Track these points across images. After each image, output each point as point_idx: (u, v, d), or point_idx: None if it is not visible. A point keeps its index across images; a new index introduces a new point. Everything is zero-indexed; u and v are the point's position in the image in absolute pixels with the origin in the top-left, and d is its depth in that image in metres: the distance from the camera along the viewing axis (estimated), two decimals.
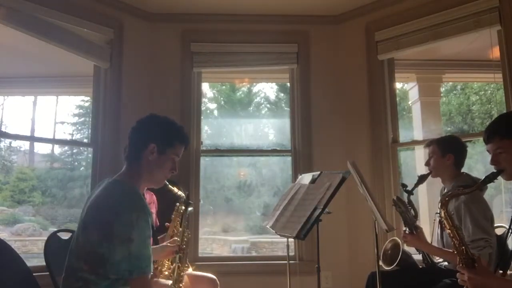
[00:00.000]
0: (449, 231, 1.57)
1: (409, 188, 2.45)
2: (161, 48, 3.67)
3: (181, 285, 2.00)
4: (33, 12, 2.94)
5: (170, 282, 2.16)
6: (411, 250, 2.58)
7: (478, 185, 1.67)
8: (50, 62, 4.04)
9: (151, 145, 1.65)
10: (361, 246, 3.36)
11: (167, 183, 2.30)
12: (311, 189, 2.36)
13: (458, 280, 1.51)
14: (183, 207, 2.31)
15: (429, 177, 2.53)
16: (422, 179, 2.43)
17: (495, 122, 1.70)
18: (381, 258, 2.39)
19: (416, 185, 2.45)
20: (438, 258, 2.48)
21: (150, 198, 2.53)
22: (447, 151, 2.36)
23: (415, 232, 2.35)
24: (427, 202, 3.97)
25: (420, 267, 2.49)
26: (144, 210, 1.50)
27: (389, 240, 2.53)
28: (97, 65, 3.42)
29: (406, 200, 2.42)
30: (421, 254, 2.43)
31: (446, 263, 2.40)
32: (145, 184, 1.71)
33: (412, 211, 2.40)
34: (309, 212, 2.17)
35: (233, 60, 3.70)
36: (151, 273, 1.51)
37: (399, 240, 2.46)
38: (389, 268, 2.36)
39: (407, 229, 2.38)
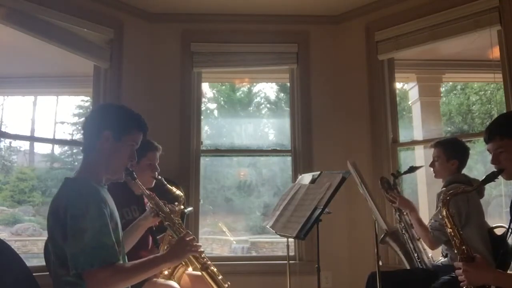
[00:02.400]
0: (450, 230, 1.57)
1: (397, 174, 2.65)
2: (161, 48, 3.67)
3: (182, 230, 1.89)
4: (33, 12, 2.94)
5: (170, 282, 2.16)
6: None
7: (479, 185, 1.68)
8: (50, 62, 4.03)
9: (106, 132, 1.58)
10: (361, 246, 3.36)
11: (165, 182, 2.29)
12: (311, 189, 2.36)
13: (456, 273, 1.52)
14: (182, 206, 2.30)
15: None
16: (412, 169, 2.56)
17: (496, 122, 1.71)
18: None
19: (404, 172, 2.61)
20: (438, 260, 2.49)
21: None
22: (452, 156, 2.45)
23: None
24: (427, 202, 3.97)
25: (418, 267, 2.50)
26: (95, 199, 1.46)
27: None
28: (97, 65, 3.42)
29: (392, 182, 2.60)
30: (416, 255, 2.46)
31: (443, 259, 2.43)
32: (106, 175, 1.64)
33: (395, 191, 2.57)
34: (309, 212, 2.17)
35: (233, 60, 3.70)
36: (118, 260, 1.45)
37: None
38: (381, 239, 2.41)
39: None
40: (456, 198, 2.19)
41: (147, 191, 1.86)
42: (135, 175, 1.77)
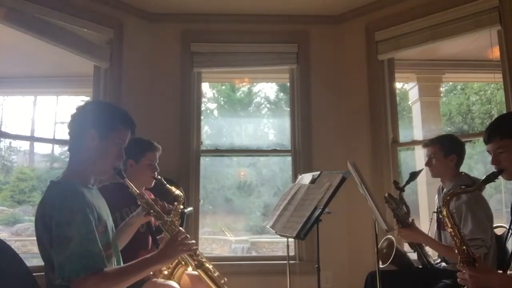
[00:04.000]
0: (451, 229, 1.57)
1: (400, 185, 2.47)
2: (161, 48, 3.67)
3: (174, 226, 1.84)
4: (33, 12, 2.94)
5: (170, 282, 2.16)
6: (406, 248, 2.59)
7: (479, 185, 1.67)
8: (50, 62, 4.03)
9: (91, 131, 1.53)
10: (361, 246, 3.36)
11: (165, 182, 2.29)
12: (311, 189, 2.36)
13: (458, 279, 1.51)
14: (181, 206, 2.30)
15: (429, 177, 2.54)
16: (413, 176, 2.43)
17: (496, 122, 1.71)
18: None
19: (407, 182, 2.46)
20: (435, 259, 2.48)
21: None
22: (451, 152, 2.38)
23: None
24: (427, 202, 3.97)
25: (418, 267, 2.49)
26: (80, 205, 1.42)
27: (383, 239, 2.55)
28: (97, 65, 3.42)
29: (397, 197, 2.43)
30: (416, 254, 2.44)
31: (444, 263, 2.41)
32: (94, 175, 1.60)
33: (404, 207, 2.40)
34: (309, 212, 2.17)
35: (233, 60, 3.70)
36: (105, 267, 1.41)
37: (393, 238, 2.48)
38: (385, 265, 2.37)
39: (400, 225, 2.37)
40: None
41: (136, 190, 1.80)
42: (124, 174, 1.73)
